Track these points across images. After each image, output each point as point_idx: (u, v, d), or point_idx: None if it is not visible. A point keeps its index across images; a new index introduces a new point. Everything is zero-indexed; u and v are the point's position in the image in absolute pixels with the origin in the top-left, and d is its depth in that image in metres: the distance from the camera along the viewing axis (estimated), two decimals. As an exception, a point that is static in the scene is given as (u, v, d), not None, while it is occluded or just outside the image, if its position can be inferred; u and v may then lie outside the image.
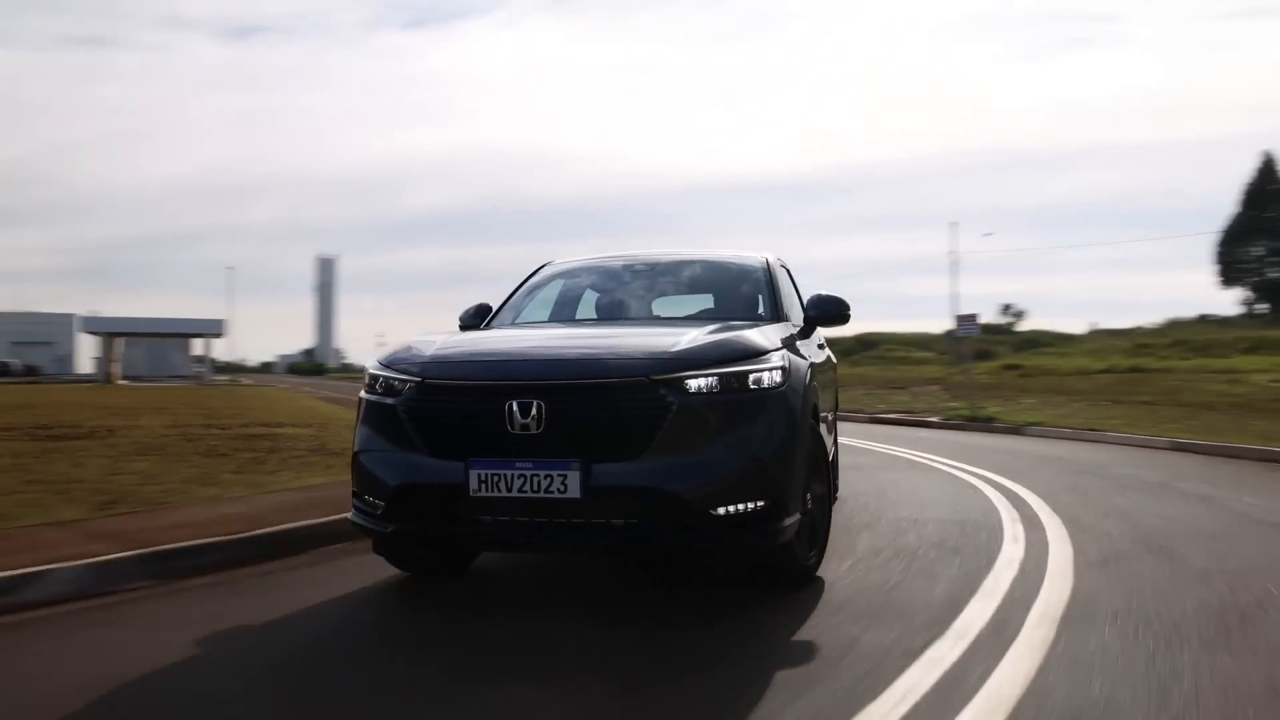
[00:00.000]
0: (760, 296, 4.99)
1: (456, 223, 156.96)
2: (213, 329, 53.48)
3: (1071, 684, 2.67)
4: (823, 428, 4.51)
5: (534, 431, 3.48)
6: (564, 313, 5.26)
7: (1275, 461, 9.30)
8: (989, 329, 58.57)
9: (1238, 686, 2.68)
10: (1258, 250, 68.48)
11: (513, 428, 3.49)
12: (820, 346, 5.42)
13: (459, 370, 3.80)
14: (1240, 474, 8.40)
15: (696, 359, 3.62)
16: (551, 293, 5.49)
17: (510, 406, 3.50)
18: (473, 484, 3.49)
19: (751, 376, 3.66)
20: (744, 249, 5.60)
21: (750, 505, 3.50)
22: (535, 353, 3.97)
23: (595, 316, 5.15)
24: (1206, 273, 65.84)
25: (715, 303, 5.16)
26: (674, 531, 3.51)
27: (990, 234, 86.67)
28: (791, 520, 3.63)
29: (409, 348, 4.07)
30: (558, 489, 3.43)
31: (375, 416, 3.89)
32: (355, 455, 3.95)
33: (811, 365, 4.25)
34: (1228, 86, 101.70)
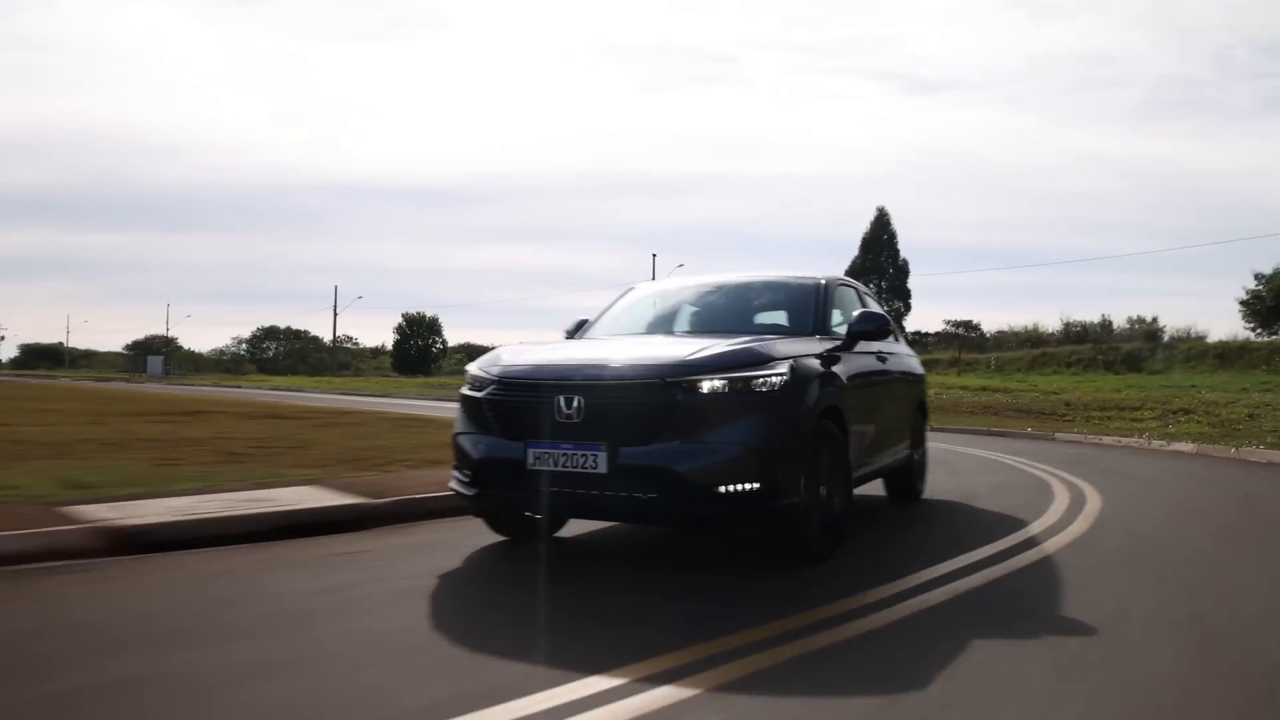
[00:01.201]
0: (809, 312, 5.66)
1: (62, 204, 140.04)
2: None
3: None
4: (857, 435, 5.27)
5: (575, 420, 4.31)
6: (643, 327, 6.01)
7: (997, 435, 18.16)
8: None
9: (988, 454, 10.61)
10: (873, 286, 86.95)
11: (559, 417, 4.34)
12: (880, 357, 6.21)
13: (525, 372, 4.65)
14: (987, 439, 17.03)
15: (706, 365, 4.34)
16: (636, 309, 6.33)
17: (558, 400, 4.34)
18: (529, 459, 4.37)
19: (755, 380, 4.35)
20: (808, 271, 6.22)
21: (747, 486, 4.21)
22: (582, 359, 4.69)
23: (671, 330, 5.91)
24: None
25: (771, 318, 5.87)
26: (686, 505, 4.23)
27: (681, 265, 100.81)
28: (789, 501, 4.33)
29: (498, 354, 4.99)
30: (590, 466, 4.24)
31: (468, 406, 4.83)
32: (454, 436, 4.88)
33: (827, 373, 4.90)
34: (833, 130, 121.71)
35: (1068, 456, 12.47)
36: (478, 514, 5.24)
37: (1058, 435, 17.13)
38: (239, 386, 46.05)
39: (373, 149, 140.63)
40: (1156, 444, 14.92)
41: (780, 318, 5.85)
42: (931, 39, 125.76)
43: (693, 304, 6.23)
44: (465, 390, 4.91)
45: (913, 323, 77.15)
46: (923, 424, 7.68)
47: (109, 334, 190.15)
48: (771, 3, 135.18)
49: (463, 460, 4.80)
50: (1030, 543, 5.59)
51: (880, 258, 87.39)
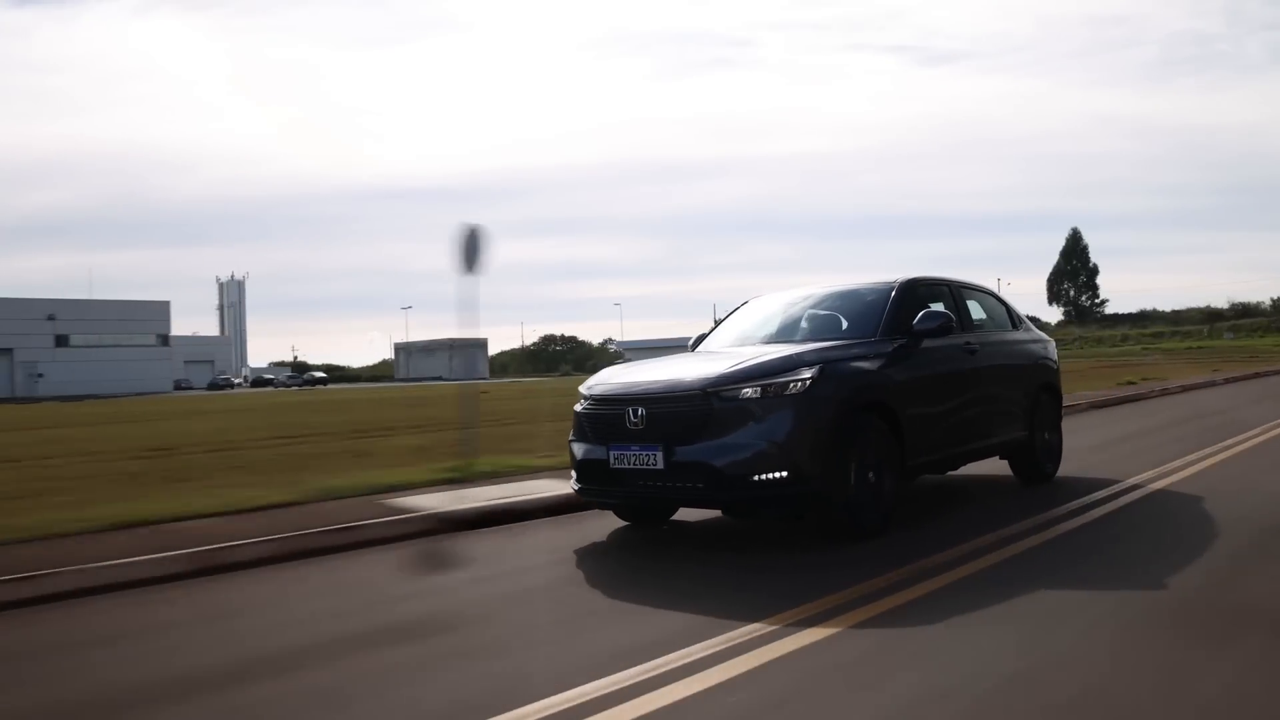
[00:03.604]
0: (874, 316, 6.35)
1: (80, 225, 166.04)
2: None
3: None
4: (919, 423, 5.95)
5: (640, 427, 5.45)
6: (747, 334, 6.98)
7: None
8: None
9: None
10: (1070, 285, 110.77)
11: (629, 424, 5.49)
12: (968, 349, 6.75)
13: (608, 390, 5.91)
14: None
15: (738, 376, 5.36)
16: (740, 322, 7.35)
17: (628, 411, 5.51)
18: (610, 459, 5.56)
19: (782, 385, 5.30)
20: (886, 275, 6.86)
21: (777, 474, 5.14)
22: (649, 378, 5.85)
23: (771, 333, 6.82)
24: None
25: (846, 321, 6.59)
26: (727, 491, 5.25)
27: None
28: (816, 485, 5.20)
29: (599, 375, 6.37)
30: (651, 463, 5.36)
31: (575, 418, 6.09)
32: (569, 443, 6.12)
33: (871, 371, 5.77)
34: (845, 107, 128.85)
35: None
36: (591, 506, 6.49)
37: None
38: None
39: (391, 152, 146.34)
40: None
41: (851, 321, 6.57)
42: (942, 9, 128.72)
43: (784, 315, 7.13)
44: (577, 406, 6.16)
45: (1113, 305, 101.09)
46: (1052, 407, 7.92)
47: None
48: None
49: (572, 461, 6.10)
50: None
51: (1074, 264, 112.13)
